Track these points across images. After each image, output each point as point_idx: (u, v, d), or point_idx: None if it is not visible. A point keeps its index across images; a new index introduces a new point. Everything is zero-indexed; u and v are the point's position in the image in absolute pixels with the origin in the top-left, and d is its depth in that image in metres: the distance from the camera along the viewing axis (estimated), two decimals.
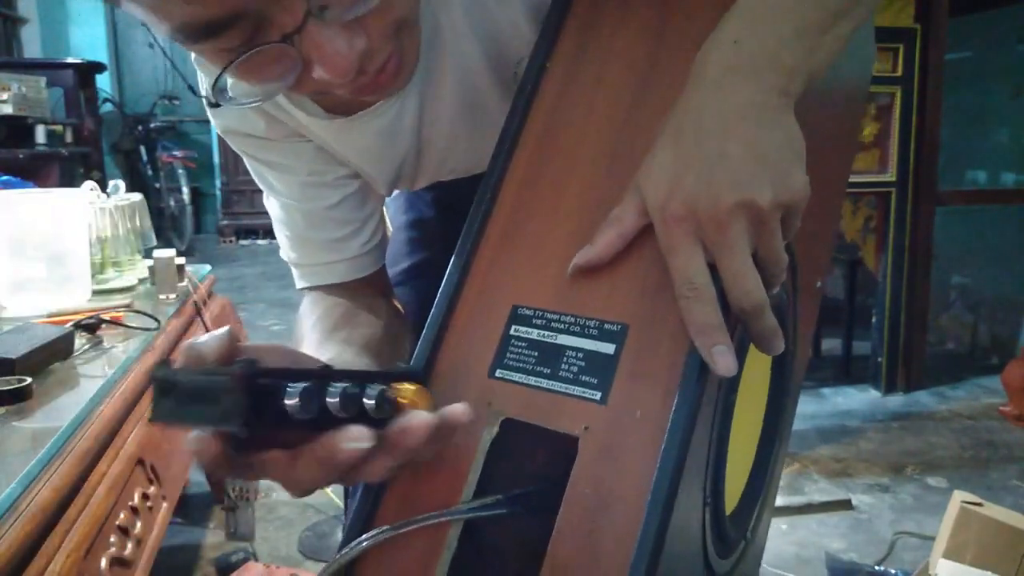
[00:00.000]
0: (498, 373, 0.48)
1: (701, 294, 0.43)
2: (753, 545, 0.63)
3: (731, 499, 0.57)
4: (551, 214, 0.52)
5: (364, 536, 0.46)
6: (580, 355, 0.46)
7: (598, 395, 0.45)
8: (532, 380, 0.47)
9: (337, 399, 0.37)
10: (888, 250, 2.72)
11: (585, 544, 0.42)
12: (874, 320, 2.82)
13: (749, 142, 0.43)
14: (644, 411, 0.44)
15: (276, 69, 0.48)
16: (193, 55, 0.62)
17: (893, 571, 1.70)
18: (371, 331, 0.68)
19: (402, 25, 0.51)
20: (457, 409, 0.42)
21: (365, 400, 0.39)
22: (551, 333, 0.48)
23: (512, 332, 0.49)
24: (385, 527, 0.45)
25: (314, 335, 0.64)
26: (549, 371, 0.46)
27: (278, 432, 0.39)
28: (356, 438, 0.37)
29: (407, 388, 0.41)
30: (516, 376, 0.47)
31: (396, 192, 0.95)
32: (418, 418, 0.39)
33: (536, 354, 0.47)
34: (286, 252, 0.77)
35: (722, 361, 0.42)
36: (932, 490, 2.08)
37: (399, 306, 0.82)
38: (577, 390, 0.45)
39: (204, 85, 0.65)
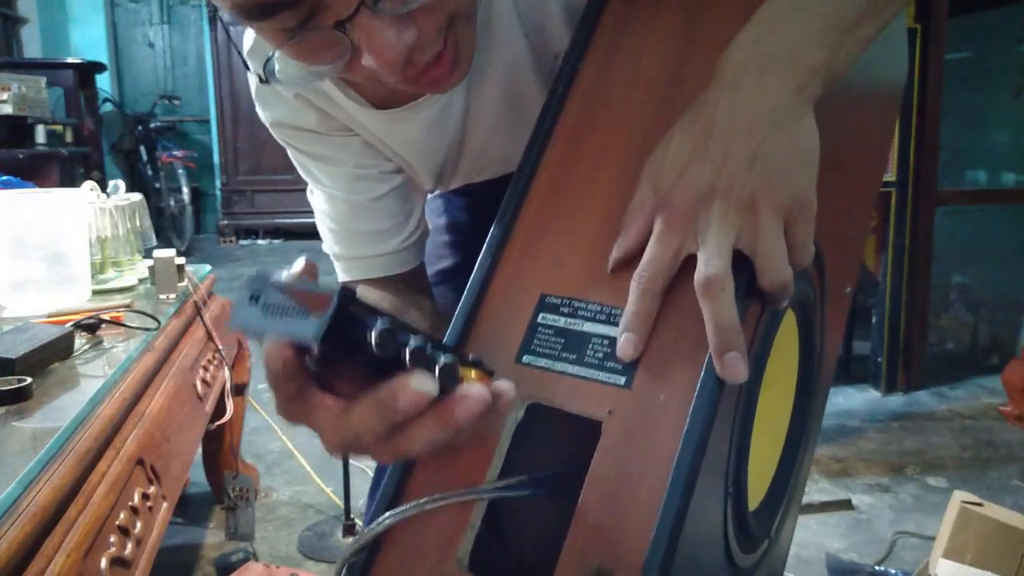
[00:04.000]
0: (525, 359, 0.49)
1: (650, 284, 0.45)
2: (777, 547, 0.63)
3: (756, 496, 0.57)
4: (581, 206, 0.53)
5: (390, 512, 0.46)
6: (605, 342, 0.47)
7: (622, 380, 0.46)
8: (558, 366, 0.48)
9: (409, 351, 0.38)
10: (888, 250, 2.72)
11: (606, 524, 0.43)
12: (874, 320, 2.82)
13: (755, 142, 0.43)
14: (668, 396, 0.44)
15: (328, 53, 0.50)
16: (249, 45, 0.65)
17: (893, 571, 1.70)
18: (423, 324, 0.70)
19: (456, 19, 0.53)
20: (504, 384, 0.42)
21: (435, 364, 0.39)
22: (577, 321, 0.49)
23: (539, 320, 0.50)
24: (411, 503, 0.46)
25: None
26: (575, 357, 0.48)
27: (344, 369, 0.40)
28: (424, 383, 0.37)
29: (473, 371, 0.42)
30: (542, 362, 0.49)
31: (431, 195, 0.96)
32: (477, 389, 0.39)
33: (562, 341, 0.49)
34: (329, 246, 0.78)
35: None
36: (932, 490, 2.08)
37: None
38: (602, 375, 0.47)
39: (256, 67, 0.67)
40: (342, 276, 0.78)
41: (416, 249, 0.78)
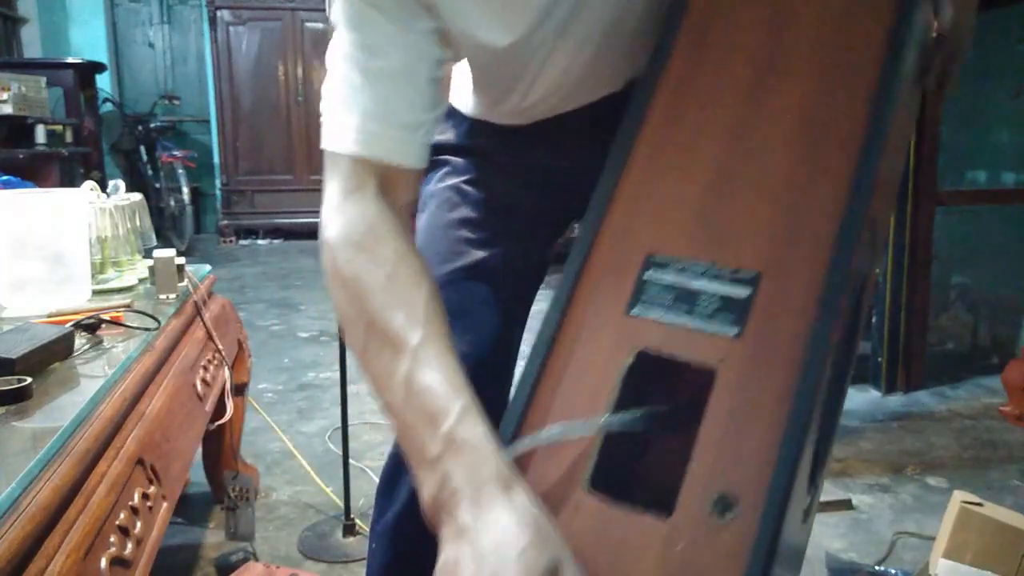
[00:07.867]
0: (634, 311, 0.53)
1: None
2: (812, 511, 0.66)
3: None
4: (685, 171, 0.57)
5: (542, 431, 0.50)
6: (715, 298, 0.51)
7: (734, 331, 0.49)
8: (668, 317, 0.52)
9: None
10: (888, 250, 2.72)
11: (726, 455, 0.46)
12: (874, 320, 2.82)
13: None
14: (780, 342, 0.48)
15: None
16: None
17: (893, 571, 1.70)
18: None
19: None
20: None
21: None
22: (685, 279, 0.52)
23: (646, 277, 0.53)
24: (554, 427, 0.50)
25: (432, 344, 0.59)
26: (685, 310, 0.51)
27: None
28: None
29: None
30: (652, 314, 0.52)
31: (439, 186, 0.90)
32: None
33: (672, 296, 0.52)
34: (344, 103, 0.68)
35: None
36: (932, 490, 2.08)
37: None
38: (714, 327, 0.50)
39: None
40: (345, 144, 0.67)
41: (425, 153, 0.70)
